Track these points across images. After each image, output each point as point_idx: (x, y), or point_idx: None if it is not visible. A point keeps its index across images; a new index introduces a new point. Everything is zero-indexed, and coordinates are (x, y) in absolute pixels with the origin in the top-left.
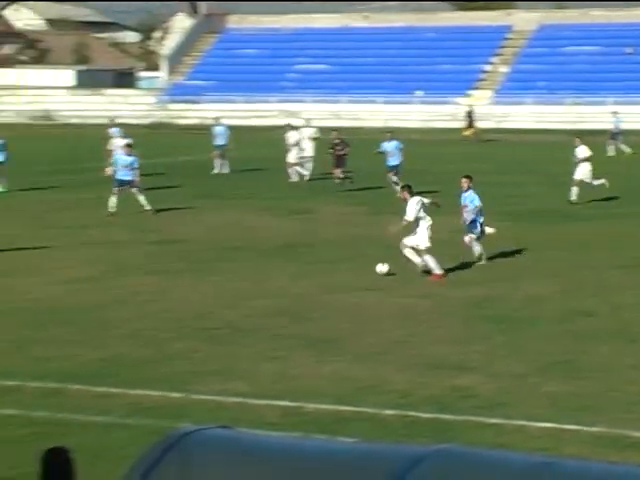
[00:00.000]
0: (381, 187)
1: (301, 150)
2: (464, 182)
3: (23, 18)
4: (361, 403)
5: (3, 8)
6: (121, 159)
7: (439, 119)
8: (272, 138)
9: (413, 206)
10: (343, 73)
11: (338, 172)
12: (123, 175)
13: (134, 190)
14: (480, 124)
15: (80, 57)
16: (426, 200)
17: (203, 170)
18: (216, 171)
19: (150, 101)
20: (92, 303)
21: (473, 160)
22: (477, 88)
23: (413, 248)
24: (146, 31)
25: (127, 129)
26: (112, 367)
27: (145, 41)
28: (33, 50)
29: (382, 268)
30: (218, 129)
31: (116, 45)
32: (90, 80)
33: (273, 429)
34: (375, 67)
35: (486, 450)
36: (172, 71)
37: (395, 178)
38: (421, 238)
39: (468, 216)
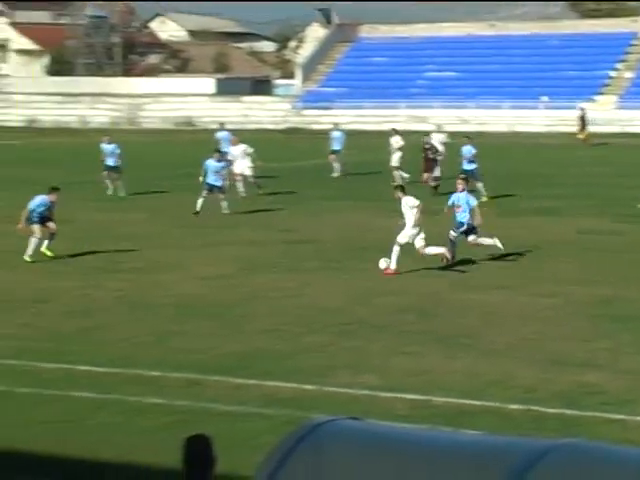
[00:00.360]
0: (508, 190)
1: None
2: (459, 183)
3: (168, 30)
4: (487, 397)
5: (150, 20)
6: (211, 165)
7: (563, 124)
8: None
9: (410, 202)
10: (470, 80)
11: (426, 177)
12: (213, 180)
13: (221, 196)
14: (605, 128)
15: (220, 66)
16: (417, 202)
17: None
18: (336, 174)
19: (285, 107)
20: (229, 299)
21: (595, 164)
22: (602, 94)
23: (421, 242)
24: (282, 41)
25: (263, 134)
26: (249, 360)
27: (281, 50)
28: (176, 60)
29: (382, 264)
30: (335, 134)
31: (254, 54)
32: (229, 88)
33: (402, 421)
34: (501, 74)
35: (612, 445)
36: (306, 79)
37: (478, 184)
38: (406, 232)
39: (466, 218)
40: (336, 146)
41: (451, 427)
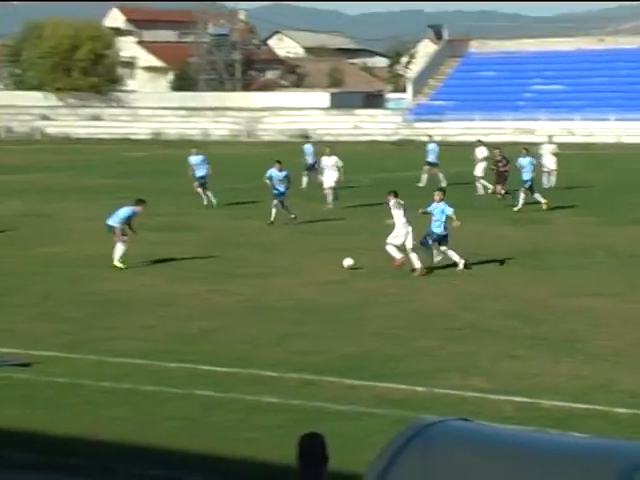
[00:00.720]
0: (612, 199)
1: (541, 165)
2: (436, 195)
3: (285, 47)
4: (594, 401)
5: (268, 38)
6: (275, 174)
7: None
8: (508, 153)
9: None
10: (577, 92)
11: (499, 188)
12: (278, 188)
13: (275, 201)
14: None
15: (334, 81)
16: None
17: (449, 183)
18: (421, 184)
19: (396, 120)
20: (344, 303)
21: None
22: None
23: (397, 246)
24: (394, 56)
25: (374, 146)
26: (362, 362)
27: (393, 65)
28: (293, 75)
29: (348, 262)
30: (430, 146)
31: (367, 69)
32: (343, 101)
33: (510, 423)
34: (608, 86)
35: None
36: (417, 92)
37: (532, 194)
38: (396, 234)
39: (439, 229)
40: (431, 158)
41: (559, 430)
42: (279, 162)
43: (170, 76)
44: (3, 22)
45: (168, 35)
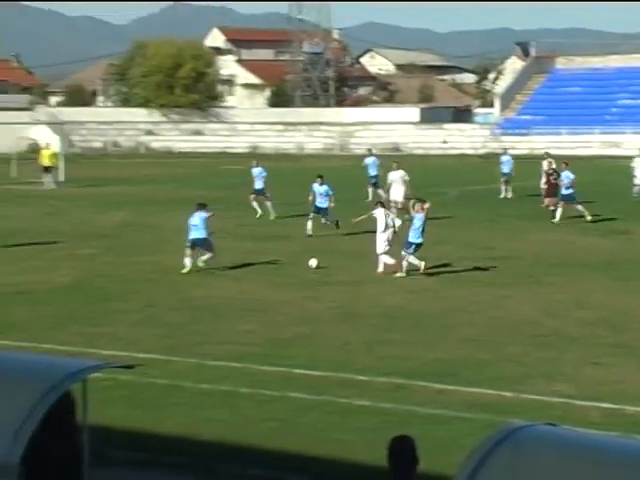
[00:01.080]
0: None
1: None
2: (417, 205)
3: (377, 64)
4: None
5: (361, 56)
6: (316, 188)
7: None
8: (595, 166)
9: (381, 214)
10: None
11: (547, 201)
12: (319, 203)
13: (322, 219)
14: None
15: (424, 96)
16: (393, 217)
17: (529, 194)
18: (502, 196)
19: (484, 134)
20: (433, 310)
21: None
22: None
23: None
24: (482, 73)
25: (463, 159)
26: (451, 367)
27: (481, 82)
28: (384, 91)
29: (312, 262)
30: (505, 158)
31: (455, 86)
32: (432, 116)
33: (596, 429)
34: None
35: None
36: (504, 107)
37: (579, 206)
38: (379, 243)
39: (417, 239)
40: (505, 169)
41: None
42: (320, 176)
43: (267, 93)
44: (112, 43)
45: (265, 54)
